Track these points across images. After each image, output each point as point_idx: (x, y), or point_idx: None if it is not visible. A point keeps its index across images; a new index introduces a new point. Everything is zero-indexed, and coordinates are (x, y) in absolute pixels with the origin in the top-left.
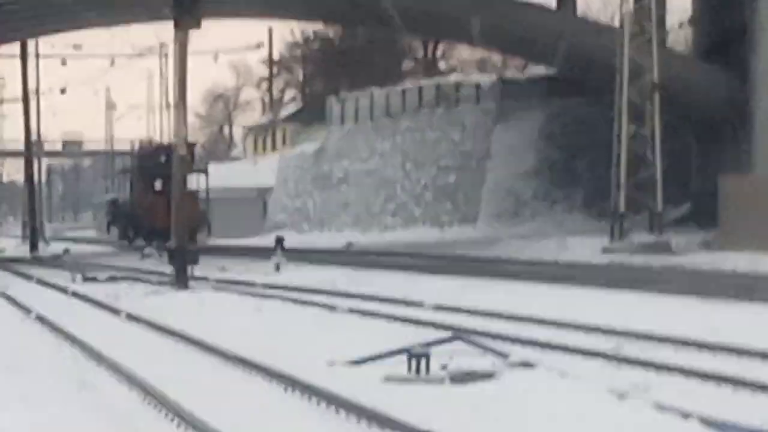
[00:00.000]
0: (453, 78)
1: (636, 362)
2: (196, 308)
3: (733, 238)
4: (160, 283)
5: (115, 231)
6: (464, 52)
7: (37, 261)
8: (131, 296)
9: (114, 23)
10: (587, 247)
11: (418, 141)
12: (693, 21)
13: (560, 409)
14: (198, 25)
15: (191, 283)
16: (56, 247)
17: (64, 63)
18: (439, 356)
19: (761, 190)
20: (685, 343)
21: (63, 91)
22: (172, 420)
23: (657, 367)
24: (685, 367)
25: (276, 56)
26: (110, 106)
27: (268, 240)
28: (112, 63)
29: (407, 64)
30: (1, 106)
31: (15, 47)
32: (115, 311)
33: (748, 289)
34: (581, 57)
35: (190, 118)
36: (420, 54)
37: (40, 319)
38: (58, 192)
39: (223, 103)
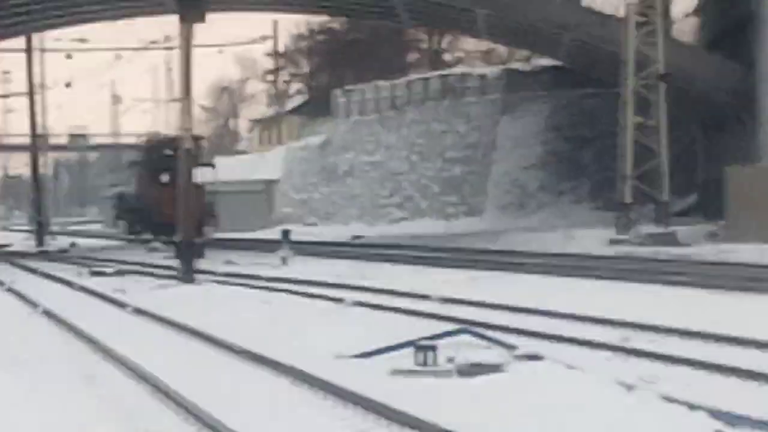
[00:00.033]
0: (458, 70)
1: (643, 354)
2: (202, 302)
3: (739, 229)
4: (167, 277)
5: (121, 225)
6: (469, 44)
7: (44, 255)
8: (138, 290)
9: (119, 17)
10: (594, 238)
11: (423, 133)
12: (698, 11)
13: (568, 401)
14: (203, 19)
15: (197, 276)
16: (63, 241)
17: (69, 57)
18: (446, 349)
19: None
20: (691, 334)
21: (68, 85)
22: (179, 413)
23: (664, 359)
24: (692, 358)
25: (281, 49)
26: (116, 99)
27: (274, 233)
28: (118, 57)
29: (412, 56)
30: (6, 100)
31: (20, 41)
32: (122, 305)
33: (754, 280)
34: (586, 48)
35: (196, 111)
36: (425, 46)
37: (47, 313)
38: (65, 186)
39: (229, 96)
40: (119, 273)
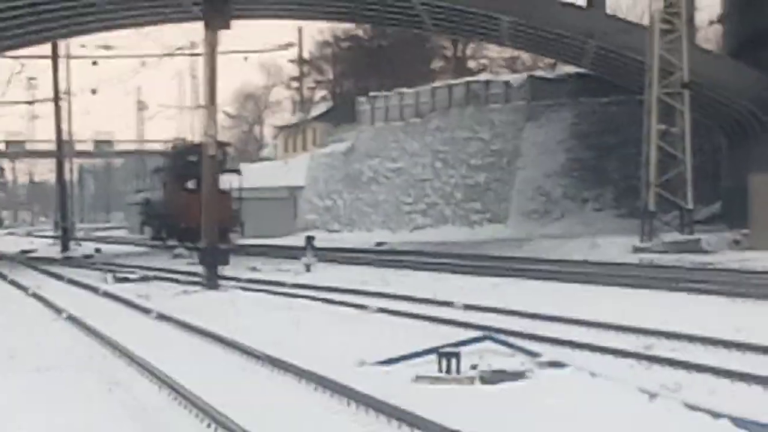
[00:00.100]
0: (483, 77)
1: (666, 361)
2: (226, 308)
3: (763, 237)
4: (191, 283)
5: (147, 231)
6: (494, 51)
7: (69, 261)
8: (162, 296)
9: (144, 24)
10: (617, 246)
11: (447, 140)
12: (723, 19)
13: (590, 409)
14: (228, 26)
15: (222, 282)
16: (88, 247)
17: (95, 63)
18: (469, 356)
19: None
20: (715, 342)
21: (94, 91)
22: (202, 420)
23: (687, 367)
24: (716, 366)
25: (306, 56)
26: (141, 106)
27: (298, 239)
28: (143, 63)
29: (437, 64)
30: (32, 106)
31: (46, 48)
32: (146, 311)
33: None
34: (611, 55)
35: (220, 118)
36: (449, 53)
37: (71, 319)
38: (90, 192)
39: (254, 103)
40: (144, 279)
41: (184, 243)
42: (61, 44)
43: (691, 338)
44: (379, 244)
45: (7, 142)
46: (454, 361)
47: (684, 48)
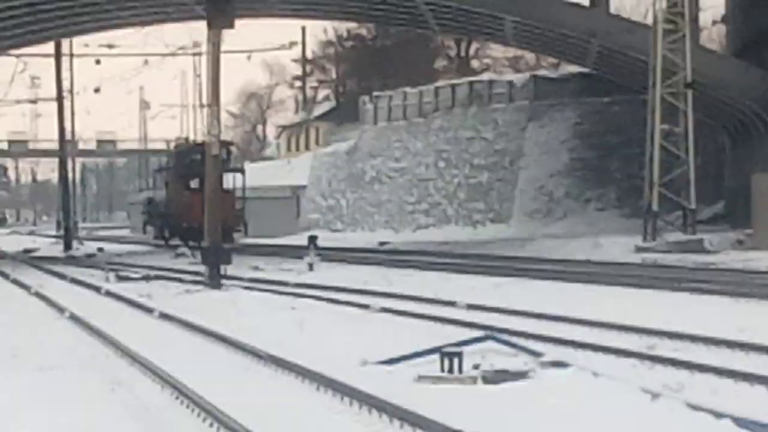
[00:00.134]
0: (486, 77)
1: (669, 362)
2: (228, 307)
3: (766, 237)
4: (194, 283)
5: (150, 230)
6: (497, 51)
7: (71, 260)
8: (164, 295)
9: (147, 23)
10: (620, 245)
11: (451, 140)
12: (726, 19)
13: (593, 409)
14: (231, 25)
15: (224, 282)
16: (90, 246)
17: (98, 62)
18: (471, 356)
19: None
20: (718, 342)
21: (97, 90)
22: (205, 419)
23: (690, 367)
24: (718, 366)
25: (309, 55)
26: (144, 105)
27: (301, 239)
28: (146, 62)
29: (440, 63)
30: (35, 105)
31: (49, 47)
32: (148, 310)
33: None
34: (614, 55)
35: (224, 117)
36: (453, 53)
37: (74, 318)
38: (93, 191)
39: (257, 102)
40: (146, 278)
41: (186, 242)
42: (65, 43)
43: (693, 338)
44: (383, 243)
45: (10, 141)
46: (456, 361)
47: (687, 48)
